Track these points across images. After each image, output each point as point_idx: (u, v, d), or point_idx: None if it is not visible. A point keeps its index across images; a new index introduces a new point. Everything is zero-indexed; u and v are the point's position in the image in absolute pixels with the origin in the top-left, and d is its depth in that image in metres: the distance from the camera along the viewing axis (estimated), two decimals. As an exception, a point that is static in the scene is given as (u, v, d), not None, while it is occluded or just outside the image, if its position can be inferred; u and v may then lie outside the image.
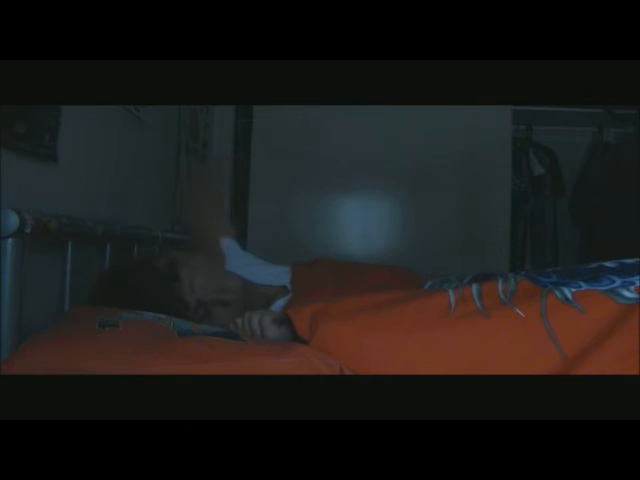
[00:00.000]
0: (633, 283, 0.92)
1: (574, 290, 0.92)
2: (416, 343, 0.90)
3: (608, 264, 1.00)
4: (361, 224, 2.70)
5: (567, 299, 0.91)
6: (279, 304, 1.28)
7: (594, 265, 1.01)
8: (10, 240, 0.95)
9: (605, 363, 0.84)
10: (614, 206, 3.11)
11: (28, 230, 0.97)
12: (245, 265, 1.48)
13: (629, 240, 2.84)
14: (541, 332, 0.88)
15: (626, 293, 0.91)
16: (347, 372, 0.87)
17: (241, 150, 2.95)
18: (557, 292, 0.92)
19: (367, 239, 2.68)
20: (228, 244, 1.62)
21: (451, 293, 0.97)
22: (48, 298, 1.20)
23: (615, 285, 0.93)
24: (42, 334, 0.90)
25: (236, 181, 2.88)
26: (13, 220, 0.94)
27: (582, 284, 0.93)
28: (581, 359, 0.85)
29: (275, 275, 1.45)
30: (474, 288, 0.98)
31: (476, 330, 0.91)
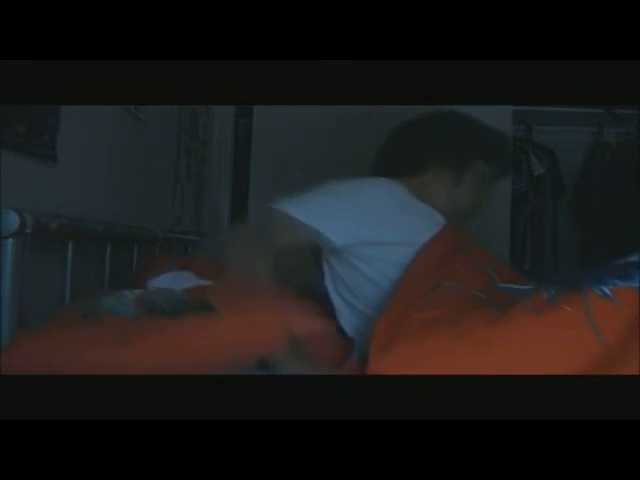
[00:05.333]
0: None
1: (611, 287, 0.95)
2: (471, 341, 0.92)
3: (632, 259, 1.02)
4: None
5: (606, 294, 0.93)
6: None
7: (621, 262, 1.03)
8: (10, 240, 0.95)
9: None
10: (614, 206, 3.10)
11: (28, 230, 0.97)
12: None
13: (629, 240, 2.84)
14: (585, 326, 0.90)
15: None
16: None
17: (241, 150, 2.95)
18: (596, 289, 0.95)
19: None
20: None
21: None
22: (48, 298, 1.20)
23: None
24: (28, 330, 0.93)
25: (236, 181, 2.88)
26: (13, 220, 0.94)
27: (617, 281, 0.96)
28: (621, 351, 0.87)
29: None
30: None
31: (528, 327, 0.93)
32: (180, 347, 0.87)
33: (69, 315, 0.98)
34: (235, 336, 0.89)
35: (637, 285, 0.95)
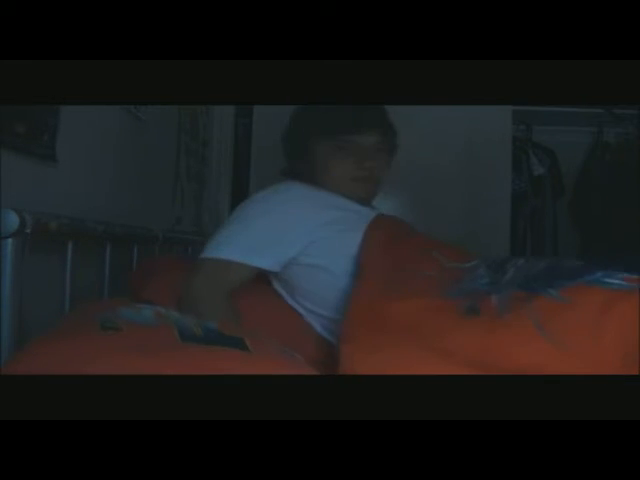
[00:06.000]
0: (617, 273, 0.96)
1: (560, 289, 0.95)
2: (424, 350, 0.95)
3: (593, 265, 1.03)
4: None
5: (554, 296, 0.94)
6: None
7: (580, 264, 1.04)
8: (10, 240, 0.95)
9: (606, 350, 0.86)
10: (614, 206, 3.11)
11: (28, 230, 0.97)
12: None
13: (629, 240, 2.84)
14: (529, 327, 0.91)
15: (610, 280, 0.95)
16: None
17: (241, 150, 2.95)
18: (543, 292, 0.96)
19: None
20: None
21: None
22: (48, 298, 1.20)
23: (597, 276, 0.96)
24: (44, 337, 0.89)
25: (236, 181, 2.88)
26: (13, 220, 0.94)
27: (565, 282, 0.97)
28: (583, 350, 0.87)
29: None
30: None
31: (484, 335, 0.94)
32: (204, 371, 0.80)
33: (85, 323, 0.94)
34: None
35: (587, 280, 0.96)
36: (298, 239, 1.28)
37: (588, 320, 0.89)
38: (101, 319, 0.92)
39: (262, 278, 1.36)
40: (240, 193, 2.84)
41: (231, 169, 2.84)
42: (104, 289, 1.38)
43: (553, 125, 3.22)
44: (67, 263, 1.20)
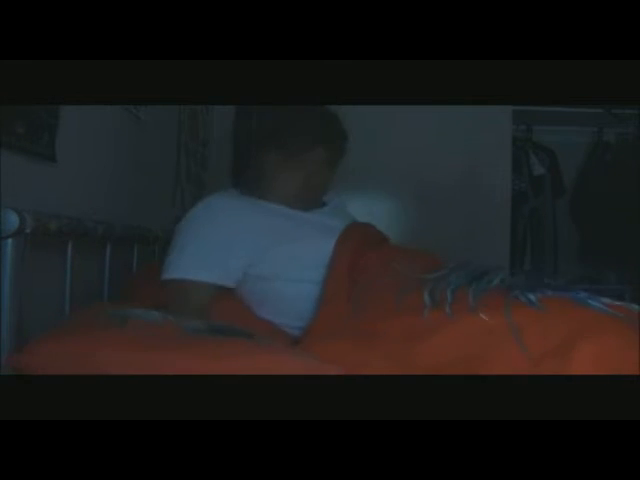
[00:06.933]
0: (602, 298, 0.95)
1: (539, 295, 0.94)
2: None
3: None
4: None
5: (530, 301, 0.93)
6: None
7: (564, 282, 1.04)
8: (10, 240, 0.95)
9: (577, 364, 0.84)
10: (614, 206, 3.11)
11: (28, 230, 0.97)
12: None
13: (628, 240, 2.84)
14: (505, 332, 0.89)
15: (593, 302, 0.93)
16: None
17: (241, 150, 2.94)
18: (522, 296, 0.94)
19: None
20: None
21: (427, 298, 0.99)
22: (48, 298, 1.20)
23: (581, 295, 0.95)
24: (49, 332, 0.91)
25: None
26: (13, 220, 0.94)
27: (548, 291, 0.96)
28: (551, 359, 0.86)
29: None
30: (449, 293, 0.99)
31: (444, 332, 0.93)
32: (214, 362, 0.82)
33: (93, 318, 0.95)
34: (270, 365, 0.85)
35: (570, 296, 0.94)
36: (245, 249, 1.25)
37: (561, 335, 0.87)
38: (109, 314, 0.94)
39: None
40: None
41: (231, 169, 2.84)
42: (104, 289, 1.38)
43: (553, 125, 3.21)
44: (67, 263, 1.20)
